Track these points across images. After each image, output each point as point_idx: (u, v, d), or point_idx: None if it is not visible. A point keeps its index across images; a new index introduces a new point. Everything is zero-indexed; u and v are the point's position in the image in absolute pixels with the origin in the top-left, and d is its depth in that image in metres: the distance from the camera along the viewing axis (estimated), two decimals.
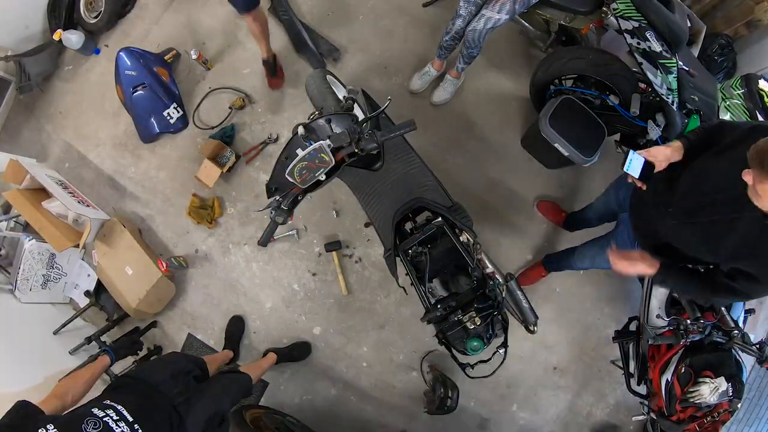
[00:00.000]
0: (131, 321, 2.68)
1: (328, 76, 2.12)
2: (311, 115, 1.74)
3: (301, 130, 1.55)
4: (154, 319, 2.71)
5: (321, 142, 1.41)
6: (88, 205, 2.71)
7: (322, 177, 1.47)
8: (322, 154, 1.40)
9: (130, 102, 2.78)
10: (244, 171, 2.77)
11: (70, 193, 2.69)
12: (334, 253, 2.62)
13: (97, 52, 3.10)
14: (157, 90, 2.74)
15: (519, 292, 1.77)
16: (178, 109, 2.83)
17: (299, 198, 1.54)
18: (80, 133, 3.03)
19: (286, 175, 1.44)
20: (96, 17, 3.03)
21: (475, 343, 1.56)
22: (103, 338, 2.49)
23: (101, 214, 2.71)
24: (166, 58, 2.87)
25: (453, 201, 1.91)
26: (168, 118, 2.81)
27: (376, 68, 2.80)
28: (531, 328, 1.78)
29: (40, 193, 2.65)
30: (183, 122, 2.87)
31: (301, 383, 2.61)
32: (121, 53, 2.72)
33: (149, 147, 2.91)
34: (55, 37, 2.94)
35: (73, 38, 2.91)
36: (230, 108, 2.82)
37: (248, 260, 2.71)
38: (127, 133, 2.94)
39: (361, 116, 1.61)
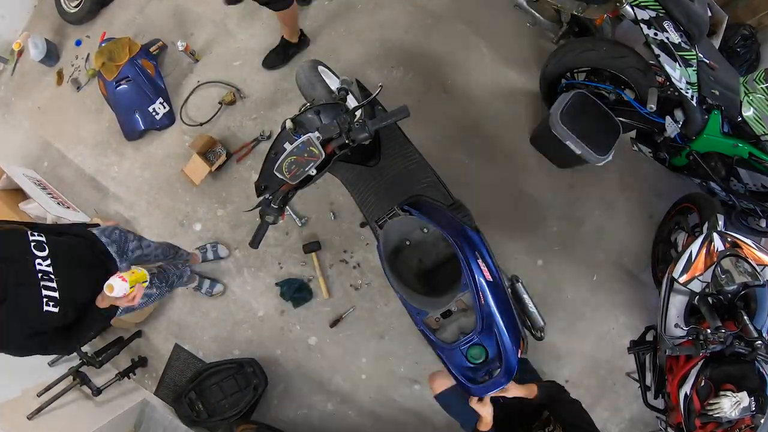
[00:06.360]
0: (114, 331, 2.69)
1: (320, 67, 2.13)
2: (302, 107, 1.75)
3: (289, 123, 1.57)
4: (138, 328, 2.71)
5: (309, 134, 1.43)
6: (68, 207, 2.72)
7: (313, 171, 1.48)
8: (311, 147, 1.42)
9: (113, 97, 2.79)
10: (235, 170, 2.78)
11: (49, 194, 2.70)
12: (313, 254, 2.62)
13: (78, 43, 3.11)
14: (142, 84, 2.75)
15: (525, 296, 1.78)
16: (165, 104, 2.84)
17: (290, 195, 1.56)
18: (60, 130, 3.04)
19: (275, 172, 1.45)
20: (77, 6, 3.05)
21: (475, 351, 1.56)
22: (84, 349, 2.50)
23: (82, 216, 2.72)
24: (151, 50, 2.87)
25: (454, 199, 1.92)
26: (153, 113, 2.81)
27: (375, 61, 2.81)
28: (538, 334, 1.78)
29: (17, 194, 2.66)
30: (169, 118, 2.88)
31: (296, 397, 2.62)
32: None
33: (133, 145, 2.92)
34: (15, 47, 2.96)
35: (33, 51, 2.93)
36: (220, 103, 2.82)
37: (239, 265, 2.72)
38: (110, 130, 2.95)
39: (351, 106, 1.62)
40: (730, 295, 1.82)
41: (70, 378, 2.36)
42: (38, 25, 3.27)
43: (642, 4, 1.80)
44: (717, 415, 1.72)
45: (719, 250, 1.80)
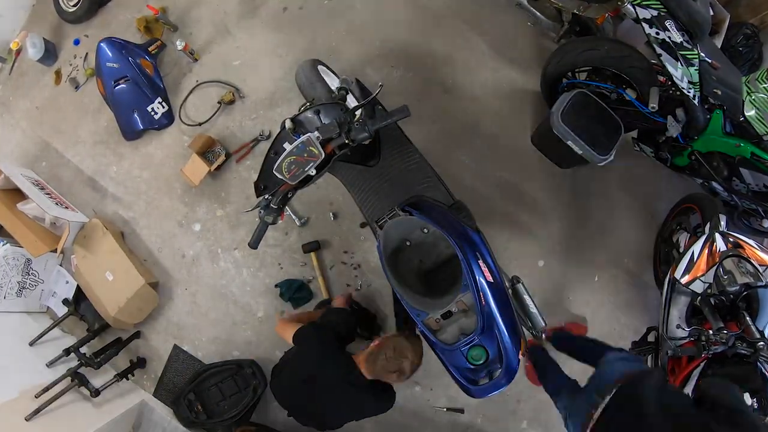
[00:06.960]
0: (113, 331, 2.69)
1: (320, 67, 2.13)
2: (301, 107, 1.76)
3: (288, 123, 1.57)
4: (137, 329, 2.71)
5: (309, 134, 1.43)
6: (66, 207, 2.71)
7: (312, 171, 1.49)
8: (311, 147, 1.42)
9: (112, 96, 2.79)
10: (234, 170, 2.78)
11: (47, 194, 2.70)
12: (312, 254, 2.62)
13: (77, 42, 3.11)
14: (141, 83, 2.75)
15: (527, 296, 1.78)
16: (163, 103, 2.84)
17: (289, 195, 1.56)
18: (58, 129, 3.04)
19: (275, 172, 1.46)
20: (75, 5, 3.05)
21: (475, 353, 1.56)
22: (82, 350, 2.50)
23: (80, 217, 2.72)
24: (150, 49, 2.87)
25: (455, 199, 1.92)
26: (152, 113, 2.81)
27: (375, 60, 2.80)
28: (539, 335, 1.78)
29: (15, 194, 2.66)
30: (168, 118, 2.87)
31: None
32: (102, 44, 2.73)
33: (132, 144, 2.91)
34: (13, 46, 2.96)
35: (31, 50, 2.94)
36: (219, 103, 2.82)
37: (238, 266, 2.72)
38: (108, 129, 2.95)
39: (351, 106, 1.63)
40: (732, 296, 1.82)
41: (69, 379, 2.35)
42: (36, 24, 3.27)
43: (644, 2, 1.80)
44: None
45: (721, 250, 1.80)
